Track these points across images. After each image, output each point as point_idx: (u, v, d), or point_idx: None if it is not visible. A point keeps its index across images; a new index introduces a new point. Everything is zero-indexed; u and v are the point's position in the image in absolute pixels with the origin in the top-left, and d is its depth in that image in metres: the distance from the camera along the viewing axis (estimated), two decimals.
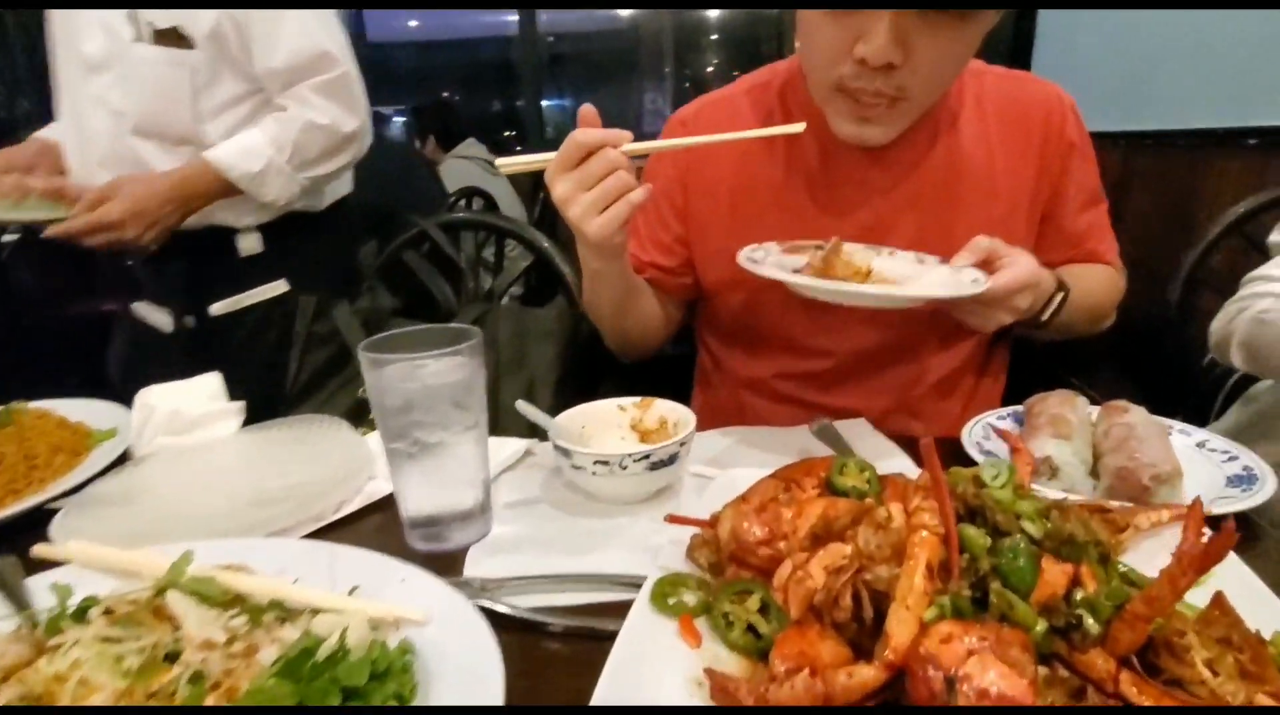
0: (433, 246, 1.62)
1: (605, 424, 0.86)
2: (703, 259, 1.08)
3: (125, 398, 0.99)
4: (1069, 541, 0.43)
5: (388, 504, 0.80)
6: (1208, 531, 0.39)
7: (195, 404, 0.96)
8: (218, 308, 1.45)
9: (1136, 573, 0.50)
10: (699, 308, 1.19)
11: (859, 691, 0.40)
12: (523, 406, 0.73)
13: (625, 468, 0.73)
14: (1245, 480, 0.72)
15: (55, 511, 0.77)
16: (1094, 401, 0.89)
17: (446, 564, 0.70)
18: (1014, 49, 2.90)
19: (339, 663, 0.47)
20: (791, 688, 0.41)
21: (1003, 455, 0.75)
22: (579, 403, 0.87)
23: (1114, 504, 0.59)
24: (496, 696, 0.46)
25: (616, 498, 0.77)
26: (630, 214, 0.79)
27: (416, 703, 0.48)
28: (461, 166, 3.06)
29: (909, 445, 0.88)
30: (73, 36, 1.33)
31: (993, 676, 0.36)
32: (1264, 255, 1.12)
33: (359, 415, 1.00)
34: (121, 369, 1.59)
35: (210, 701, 0.46)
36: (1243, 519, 0.67)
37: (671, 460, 0.75)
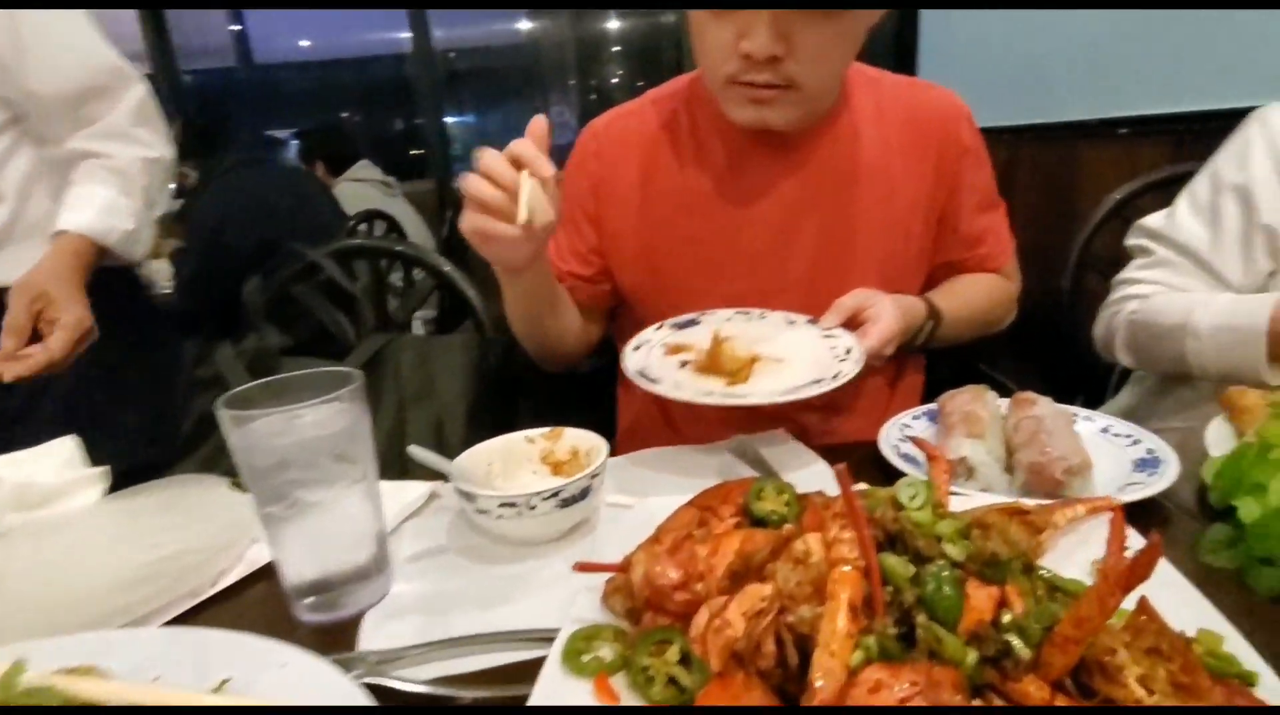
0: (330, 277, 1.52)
1: (513, 459, 0.81)
2: (618, 266, 1.09)
3: None
4: (992, 562, 0.41)
5: (275, 569, 0.72)
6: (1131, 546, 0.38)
7: (49, 473, 0.85)
8: None
9: (1061, 579, 0.49)
10: (617, 318, 1.19)
11: None
12: (416, 451, 0.67)
13: (534, 508, 0.68)
14: (1150, 464, 0.73)
15: None
16: (1002, 390, 0.90)
17: (339, 635, 0.63)
18: (899, 52, 3.01)
19: None
20: None
21: (921, 460, 0.74)
22: (495, 433, 0.82)
23: (1031, 503, 0.58)
24: None
25: (527, 540, 0.72)
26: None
27: None
28: (356, 190, 2.92)
29: (831, 452, 0.87)
30: None
31: None
32: None
33: None
34: None
35: None
36: (1152, 504, 0.68)
37: (583, 495, 0.70)
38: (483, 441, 0.80)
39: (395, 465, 0.84)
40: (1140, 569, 0.35)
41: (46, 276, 1.04)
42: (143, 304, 1.46)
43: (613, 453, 1.29)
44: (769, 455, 0.83)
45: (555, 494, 0.68)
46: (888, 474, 0.79)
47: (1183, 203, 1.12)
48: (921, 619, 0.38)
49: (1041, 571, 0.50)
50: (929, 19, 2.97)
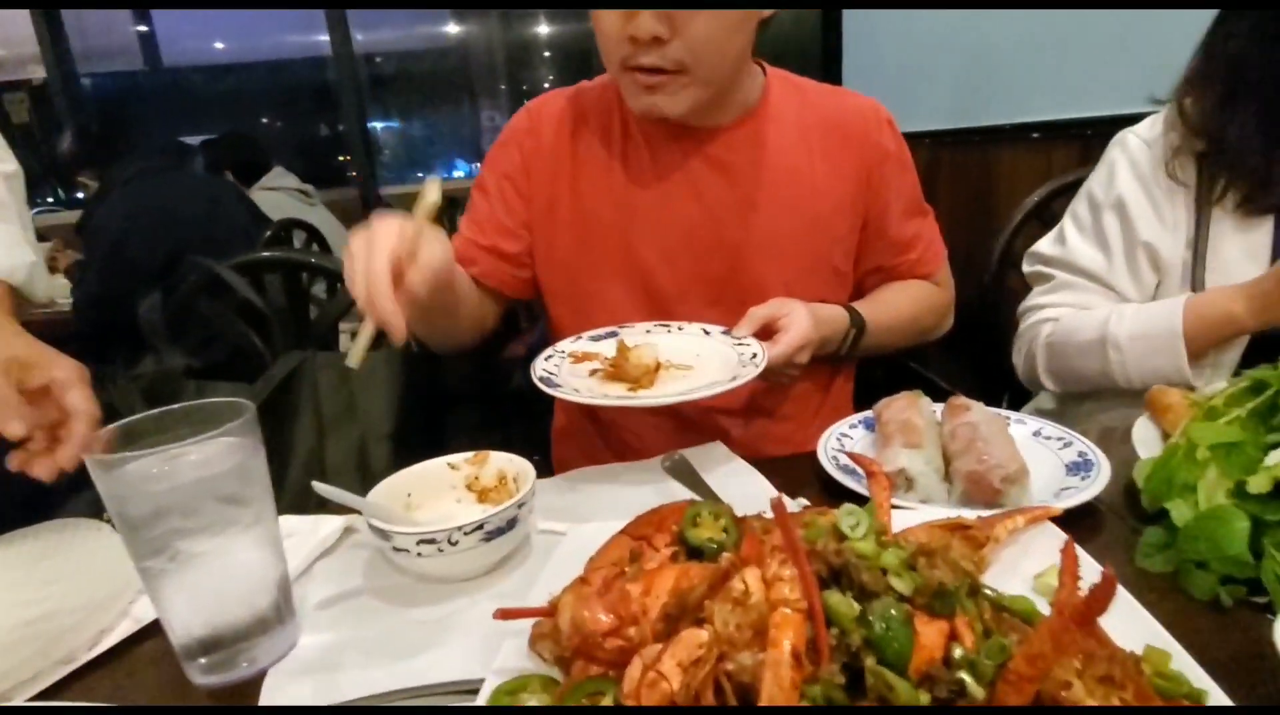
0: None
1: (436, 487, 0.75)
2: (546, 243, 1.08)
3: None
4: (940, 592, 0.39)
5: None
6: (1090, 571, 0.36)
7: None
8: None
9: (1005, 598, 0.47)
10: (547, 328, 1.17)
11: None
12: (321, 488, 0.61)
13: (456, 543, 0.63)
14: (1083, 466, 0.73)
15: None
16: (934, 389, 0.91)
17: (239, 698, 0.56)
18: (824, 60, 3.06)
19: None
20: None
21: (861, 473, 0.72)
22: (423, 454, 0.77)
23: (972, 517, 0.57)
24: None
25: (452, 577, 0.67)
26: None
27: None
28: (272, 199, 2.76)
29: (770, 464, 0.84)
30: None
31: None
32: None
33: None
34: None
35: None
36: (1086, 507, 0.68)
37: (510, 525, 0.66)
38: (411, 464, 0.75)
39: (314, 496, 0.77)
40: (1096, 604, 0.33)
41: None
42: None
43: (547, 461, 1.26)
44: (706, 472, 0.80)
45: (479, 527, 0.63)
46: (827, 483, 0.77)
47: (1069, 227, 1.16)
48: (870, 663, 0.35)
49: (987, 591, 0.48)
50: (852, 29, 3.04)
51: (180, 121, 5.21)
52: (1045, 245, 1.18)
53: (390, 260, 0.69)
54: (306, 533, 0.76)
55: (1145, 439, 0.77)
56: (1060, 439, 0.80)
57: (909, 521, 0.59)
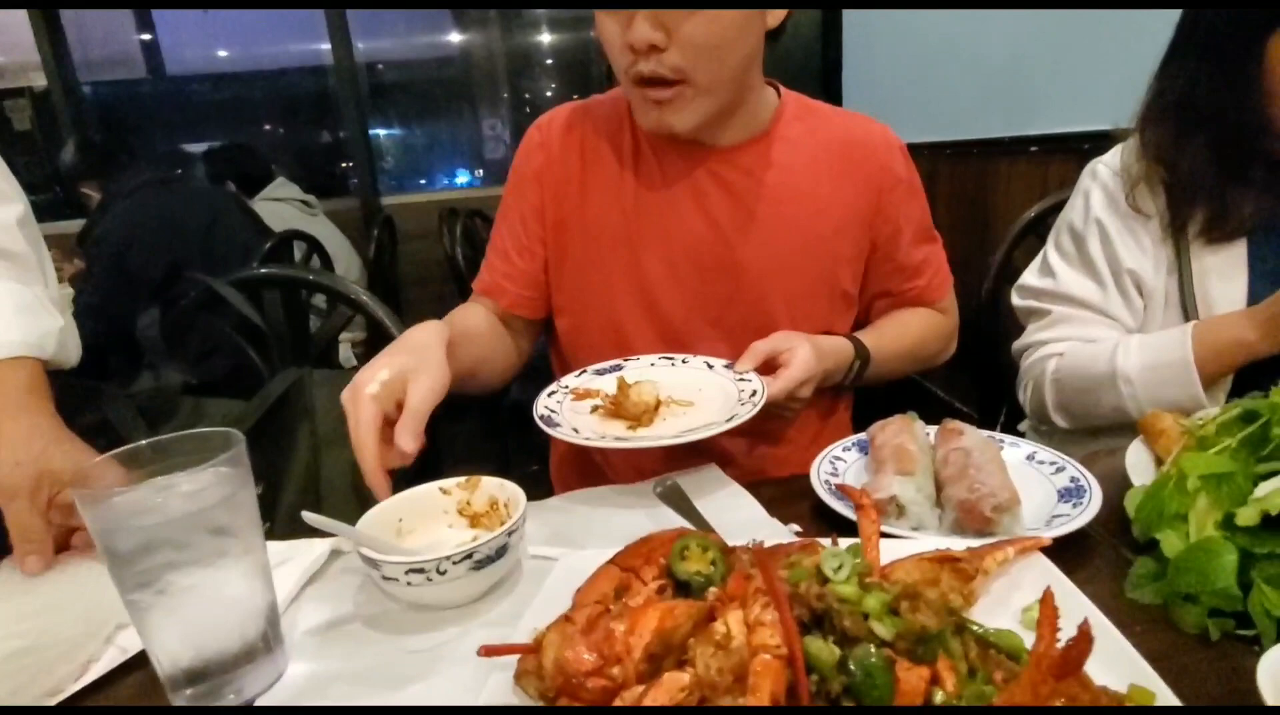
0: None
1: (427, 512, 0.75)
2: (558, 258, 1.08)
3: None
4: (923, 638, 0.39)
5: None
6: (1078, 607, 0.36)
7: None
8: None
9: (991, 634, 0.47)
10: (551, 346, 1.18)
11: None
12: (311, 517, 0.61)
13: (445, 572, 0.63)
14: (1075, 493, 0.73)
15: None
16: (934, 401, 0.91)
17: None
18: (824, 73, 3.07)
19: None
20: None
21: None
22: (421, 473, 0.77)
23: (961, 548, 0.57)
24: None
25: (441, 605, 0.67)
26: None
27: None
28: (273, 210, 2.77)
29: (764, 486, 0.84)
30: None
31: None
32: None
33: None
34: None
35: None
36: (1078, 534, 0.68)
37: (500, 553, 0.65)
38: (408, 484, 0.75)
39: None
40: (1073, 659, 0.33)
41: (22, 449, 0.72)
42: None
43: (545, 471, 1.26)
44: (699, 498, 0.80)
45: (469, 556, 0.63)
46: (819, 507, 0.77)
47: (1055, 259, 1.15)
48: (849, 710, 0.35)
49: (974, 627, 0.48)
50: (851, 42, 3.05)
51: (184, 131, 5.23)
52: (1033, 278, 1.18)
53: (375, 427, 0.71)
54: (296, 558, 0.76)
55: (1138, 464, 0.77)
56: (1053, 464, 0.80)
57: (899, 551, 0.59)
